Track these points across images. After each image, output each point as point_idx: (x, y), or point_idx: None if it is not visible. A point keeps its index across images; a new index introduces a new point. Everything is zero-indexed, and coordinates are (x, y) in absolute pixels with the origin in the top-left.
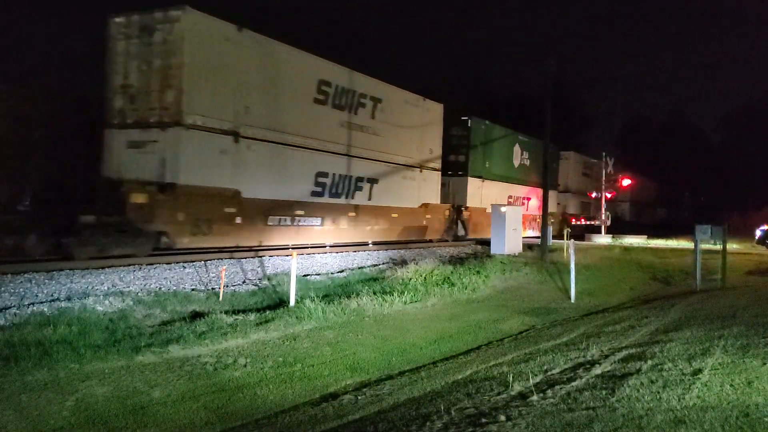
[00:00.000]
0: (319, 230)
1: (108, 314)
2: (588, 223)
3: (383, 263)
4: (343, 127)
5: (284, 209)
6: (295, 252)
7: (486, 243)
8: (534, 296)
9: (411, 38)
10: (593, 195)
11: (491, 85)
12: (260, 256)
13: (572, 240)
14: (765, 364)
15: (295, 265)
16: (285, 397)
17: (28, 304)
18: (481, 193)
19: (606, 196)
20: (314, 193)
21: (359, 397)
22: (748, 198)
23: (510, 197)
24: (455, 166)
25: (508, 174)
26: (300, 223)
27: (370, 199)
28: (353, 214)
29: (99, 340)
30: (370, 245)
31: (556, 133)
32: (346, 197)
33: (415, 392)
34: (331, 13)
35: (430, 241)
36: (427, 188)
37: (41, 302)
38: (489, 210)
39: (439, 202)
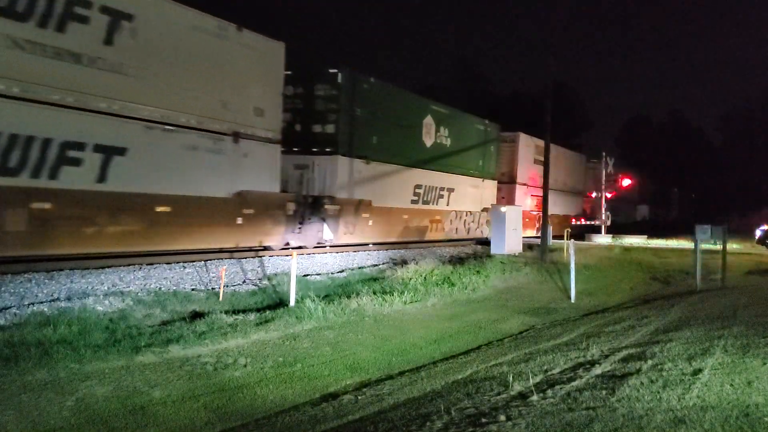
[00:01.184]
0: None
1: (108, 314)
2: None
3: (383, 263)
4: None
5: None
6: (295, 252)
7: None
8: (534, 296)
9: (411, 38)
10: (593, 195)
11: (491, 85)
12: (260, 256)
13: (572, 240)
14: (765, 364)
15: (295, 265)
16: (285, 397)
17: (28, 304)
18: (366, 180)
19: (606, 196)
20: None
21: (359, 397)
22: (748, 198)
23: (418, 187)
24: (323, 141)
25: (414, 155)
26: None
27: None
28: None
29: (99, 340)
30: (370, 245)
31: (556, 133)
32: None
33: (415, 392)
34: (331, 13)
35: (232, 251)
36: (248, 167)
37: (41, 302)
38: (391, 205)
39: (276, 189)
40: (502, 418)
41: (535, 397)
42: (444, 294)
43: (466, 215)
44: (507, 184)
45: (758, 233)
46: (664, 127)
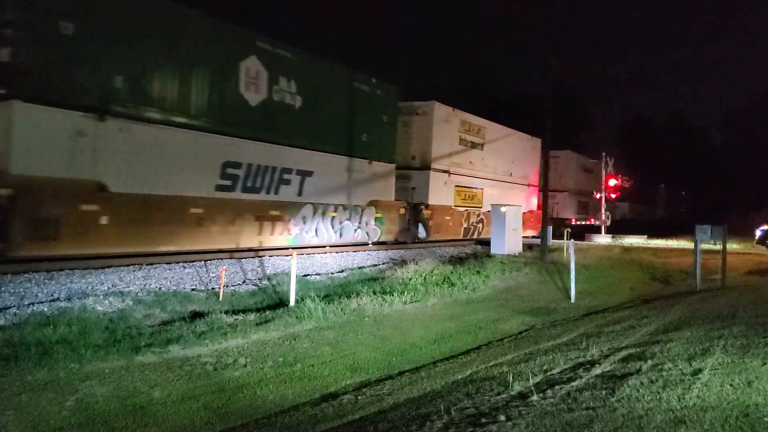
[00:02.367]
0: None
1: (108, 314)
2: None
3: (383, 263)
4: None
5: None
6: (295, 252)
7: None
8: (534, 296)
9: (411, 38)
10: (598, 196)
11: (491, 85)
12: (260, 256)
13: (572, 240)
14: (765, 364)
15: (295, 265)
16: (285, 397)
17: (28, 304)
18: (98, 147)
19: (611, 197)
20: None
21: (359, 397)
22: (748, 198)
23: (233, 166)
24: None
25: (223, 116)
26: None
27: None
28: None
29: (99, 340)
30: (370, 245)
31: (556, 132)
32: None
33: (415, 392)
34: (331, 12)
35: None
36: None
37: (41, 302)
38: (164, 192)
39: None
40: (502, 418)
41: (535, 397)
42: (444, 294)
43: (339, 211)
44: (418, 170)
45: (758, 233)
46: (664, 127)
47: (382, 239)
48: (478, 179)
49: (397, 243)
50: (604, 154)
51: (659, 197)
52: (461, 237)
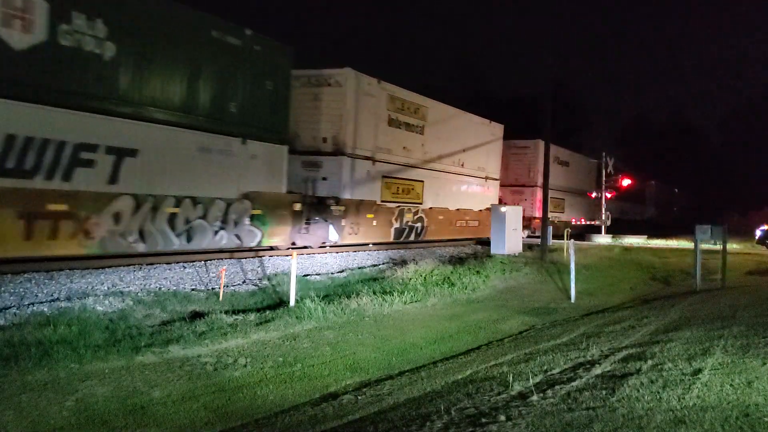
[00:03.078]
0: None
1: (108, 314)
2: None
3: (383, 263)
4: None
5: None
6: (295, 252)
7: None
8: (534, 296)
9: (411, 38)
10: (593, 195)
11: (491, 85)
12: (260, 256)
13: (572, 240)
14: (765, 364)
15: (295, 265)
16: (285, 397)
17: (28, 304)
18: None
19: (606, 196)
20: None
21: (359, 397)
22: (748, 198)
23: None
24: None
25: None
26: None
27: None
28: None
29: (99, 340)
30: (370, 245)
31: (556, 132)
32: None
33: (415, 392)
34: (331, 11)
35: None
36: None
37: (41, 302)
38: None
39: None
40: (502, 418)
41: (535, 397)
42: (444, 294)
43: (185, 206)
44: (330, 156)
45: (758, 233)
46: (664, 127)
47: (267, 243)
48: (417, 169)
49: (295, 247)
50: (604, 154)
51: (648, 195)
52: (392, 239)
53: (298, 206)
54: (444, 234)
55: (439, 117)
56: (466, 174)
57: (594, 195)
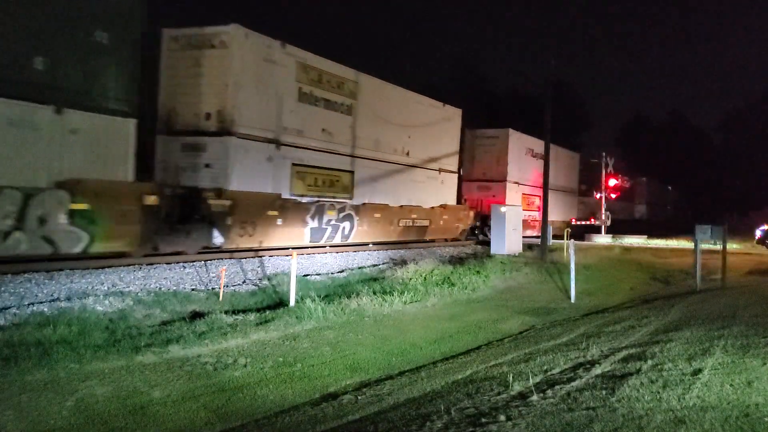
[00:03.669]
0: None
1: (108, 314)
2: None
3: (383, 263)
4: None
5: None
6: (295, 252)
7: None
8: (534, 296)
9: (411, 38)
10: (597, 196)
11: (491, 85)
12: (260, 256)
13: (572, 240)
14: (765, 364)
15: (295, 265)
16: (285, 397)
17: (28, 304)
18: None
19: (610, 197)
20: None
21: (359, 397)
22: (748, 198)
23: None
24: None
25: None
26: None
27: None
28: None
29: (99, 340)
30: (370, 245)
31: (556, 132)
32: None
33: (415, 392)
34: (331, 11)
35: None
36: None
37: (41, 302)
38: None
39: None
40: (502, 418)
41: (535, 397)
42: (444, 294)
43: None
44: (215, 136)
45: (758, 233)
46: (664, 127)
47: (101, 248)
48: (345, 157)
49: (157, 254)
50: (604, 154)
51: (639, 193)
52: (306, 242)
53: (151, 200)
54: (381, 235)
55: (374, 95)
56: (413, 165)
57: (598, 196)
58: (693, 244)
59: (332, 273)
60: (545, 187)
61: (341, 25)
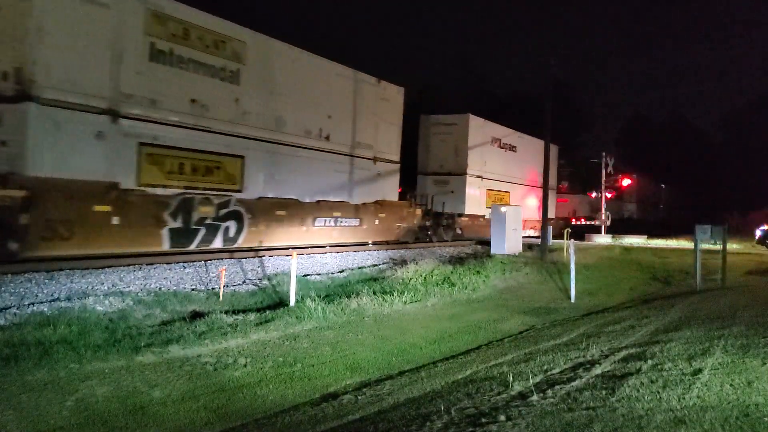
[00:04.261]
0: None
1: (108, 314)
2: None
3: (383, 263)
4: None
5: None
6: (295, 252)
7: None
8: (534, 296)
9: (411, 38)
10: (593, 195)
11: (491, 85)
12: (260, 256)
13: (572, 240)
14: (765, 364)
15: (295, 265)
16: (285, 397)
17: (28, 304)
18: None
19: (606, 196)
20: None
21: (359, 397)
22: (748, 198)
23: None
24: None
25: None
26: None
27: None
28: None
29: (99, 340)
30: (370, 245)
31: (557, 132)
32: None
33: (415, 392)
34: (331, 11)
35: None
36: None
37: (41, 302)
38: None
39: None
40: (502, 418)
41: (535, 397)
42: (444, 294)
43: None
44: (10, 103)
45: (758, 233)
46: (664, 126)
47: None
48: (228, 137)
49: None
50: (604, 154)
51: (628, 190)
52: (164, 246)
53: None
54: (285, 237)
55: (274, 61)
56: (337, 151)
57: (594, 195)
58: (693, 243)
59: (332, 273)
60: (545, 186)
61: (341, 25)
